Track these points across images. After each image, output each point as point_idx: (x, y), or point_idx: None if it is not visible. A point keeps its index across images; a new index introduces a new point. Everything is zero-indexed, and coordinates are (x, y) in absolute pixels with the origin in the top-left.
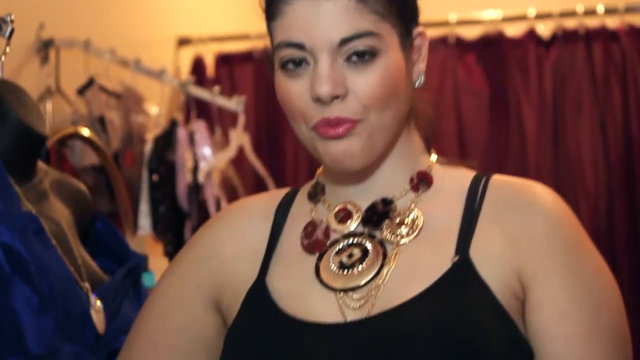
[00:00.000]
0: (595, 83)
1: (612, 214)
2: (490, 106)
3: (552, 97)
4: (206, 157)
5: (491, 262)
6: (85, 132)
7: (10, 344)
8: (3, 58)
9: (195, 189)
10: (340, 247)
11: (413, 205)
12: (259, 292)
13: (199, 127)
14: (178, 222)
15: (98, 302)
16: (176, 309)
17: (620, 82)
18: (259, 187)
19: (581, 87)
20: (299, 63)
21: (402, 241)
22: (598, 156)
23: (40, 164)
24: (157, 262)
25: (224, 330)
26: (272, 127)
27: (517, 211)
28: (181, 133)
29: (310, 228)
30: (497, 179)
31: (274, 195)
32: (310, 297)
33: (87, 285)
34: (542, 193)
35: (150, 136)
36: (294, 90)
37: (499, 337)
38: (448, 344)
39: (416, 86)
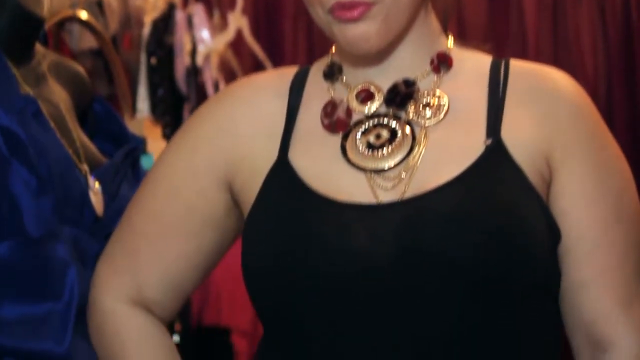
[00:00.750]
0: None
1: (611, 97)
2: None
3: None
4: (204, 40)
5: (522, 145)
6: (84, 15)
7: (9, 226)
8: None
9: (194, 71)
10: (366, 127)
11: (436, 87)
12: (282, 169)
13: (197, 10)
14: (176, 105)
15: (97, 184)
16: (184, 184)
17: None
18: (257, 70)
19: None
20: None
21: (428, 123)
22: (597, 41)
23: (38, 47)
24: (156, 145)
25: (233, 211)
26: (270, 11)
27: (541, 98)
28: (179, 16)
29: (330, 107)
30: (516, 64)
31: (285, 73)
32: (338, 177)
33: (85, 167)
34: (562, 80)
35: (148, 19)
36: None
37: (534, 218)
38: (487, 224)
39: None
